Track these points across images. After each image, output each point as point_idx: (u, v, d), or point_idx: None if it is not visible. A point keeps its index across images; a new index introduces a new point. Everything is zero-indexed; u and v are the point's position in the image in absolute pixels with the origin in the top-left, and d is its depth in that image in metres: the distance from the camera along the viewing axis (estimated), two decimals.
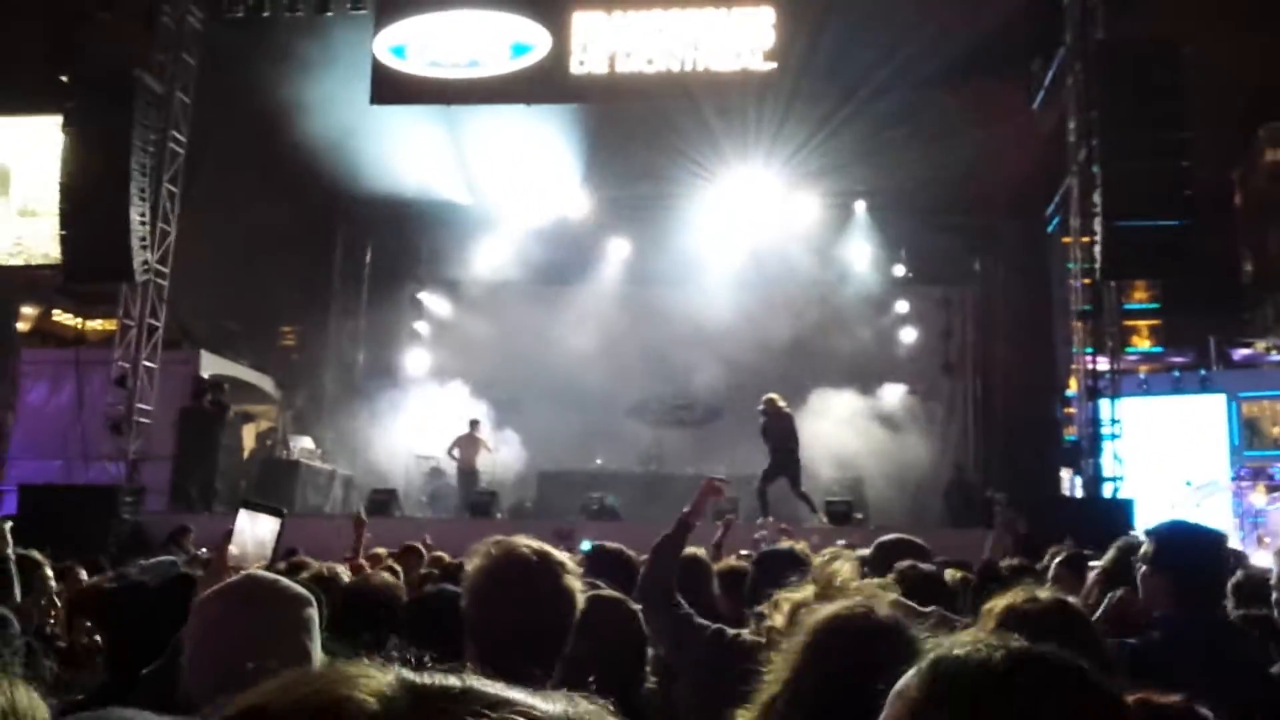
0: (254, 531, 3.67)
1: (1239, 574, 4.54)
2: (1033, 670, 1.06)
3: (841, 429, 16.98)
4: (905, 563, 4.08)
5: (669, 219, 18.15)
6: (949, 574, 4.91)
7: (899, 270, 19.10)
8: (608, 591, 3.30)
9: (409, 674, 0.72)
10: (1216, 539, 3.52)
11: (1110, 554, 4.26)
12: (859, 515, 15.15)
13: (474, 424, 16.99)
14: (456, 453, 16.68)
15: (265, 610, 1.94)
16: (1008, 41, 14.66)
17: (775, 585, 2.72)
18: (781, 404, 14.95)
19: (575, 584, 2.39)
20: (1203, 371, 25.61)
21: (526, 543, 2.40)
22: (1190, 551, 3.31)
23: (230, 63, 15.40)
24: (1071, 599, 2.34)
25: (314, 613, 1.98)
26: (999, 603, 2.26)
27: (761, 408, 14.87)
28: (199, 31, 15.56)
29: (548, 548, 2.40)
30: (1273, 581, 4.08)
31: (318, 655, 1.96)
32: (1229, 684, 2.65)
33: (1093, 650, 2.16)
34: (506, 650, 2.13)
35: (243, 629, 1.90)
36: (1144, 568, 3.38)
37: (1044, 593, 2.26)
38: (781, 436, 14.70)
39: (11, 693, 1.22)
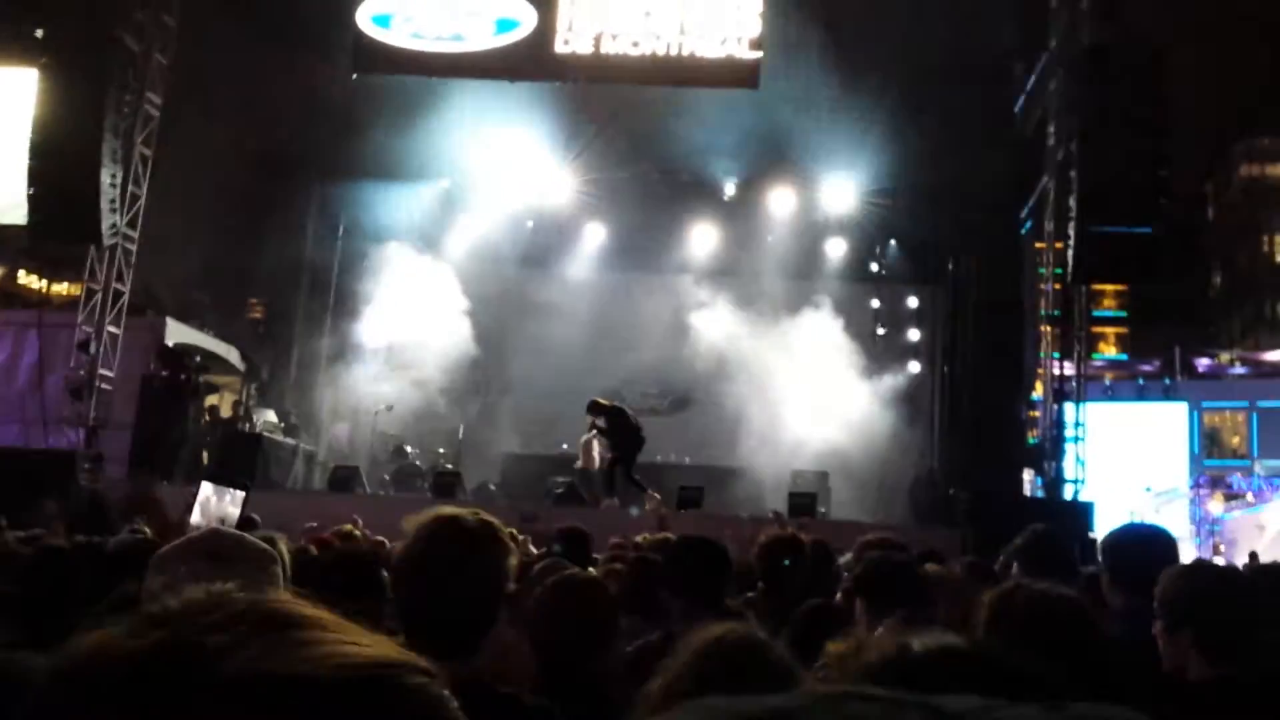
0: (218, 504, 3.62)
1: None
2: None
3: (808, 423, 17.02)
4: (876, 553, 4.06)
5: (647, 204, 18.11)
6: (929, 567, 4.88)
7: (873, 267, 19.17)
8: (583, 572, 3.28)
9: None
10: (1161, 539, 3.64)
11: (1018, 541, 4.22)
12: (822, 510, 15.20)
13: (595, 425, 16.43)
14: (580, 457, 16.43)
15: (229, 565, 1.89)
16: (992, 43, 14.72)
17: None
18: (607, 403, 15.02)
19: (512, 562, 2.27)
20: (1166, 380, 25.93)
21: (470, 513, 2.26)
22: (1133, 550, 3.43)
23: (208, 25, 15.17)
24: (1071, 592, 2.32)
25: (279, 569, 1.94)
26: (998, 595, 2.24)
27: (593, 416, 14.90)
28: None
29: (493, 520, 2.28)
30: None
31: None
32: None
33: (1095, 640, 2.16)
34: (431, 625, 2.03)
35: (206, 583, 1.85)
36: (1105, 577, 3.46)
37: (1044, 586, 2.24)
38: (627, 432, 14.73)
39: None
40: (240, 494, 3.43)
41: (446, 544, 2.15)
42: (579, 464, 16.29)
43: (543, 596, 3.05)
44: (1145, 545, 3.53)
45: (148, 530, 9.17)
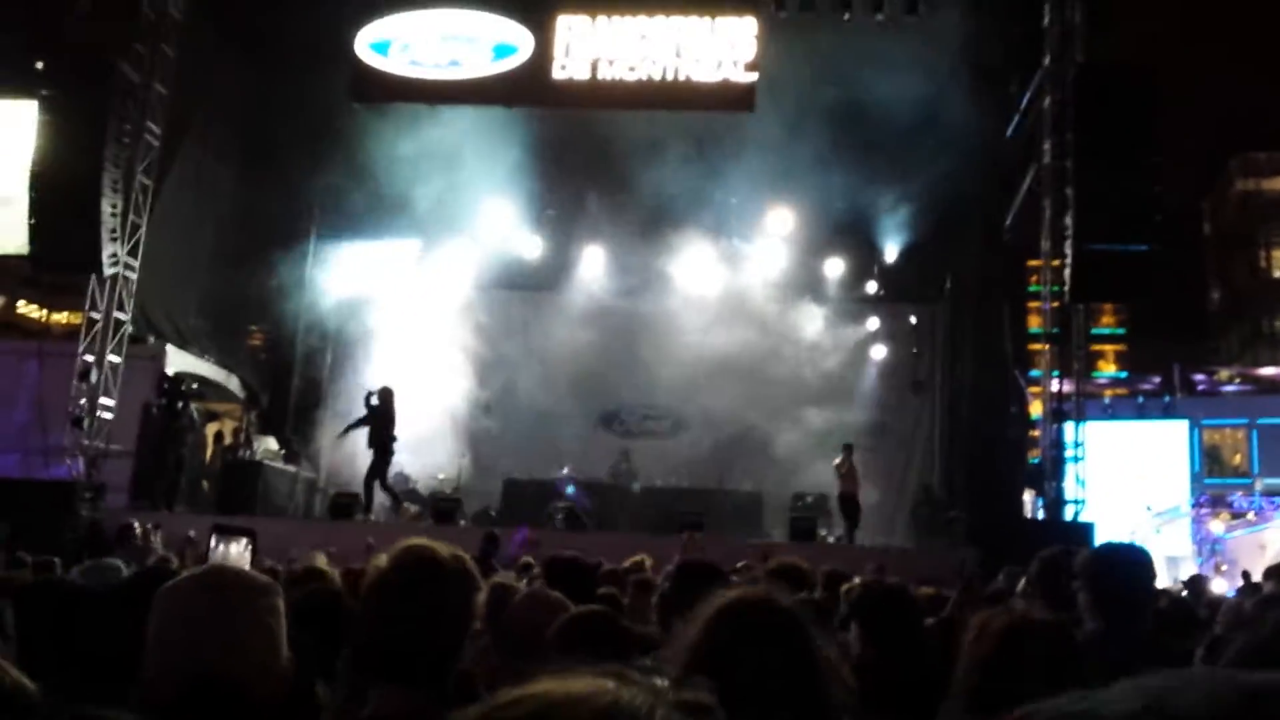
0: (226, 553, 3.67)
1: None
2: None
3: (809, 444, 17.00)
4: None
5: (644, 228, 18.15)
6: (922, 591, 4.91)
7: (871, 287, 19.15)
8: (592, 607, 3.27)
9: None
10: (1139, 559, 3.63)
11: (1033, 566, 4.35)
12: (823, 532, 15.16)
13: (847, 449, 15.55)
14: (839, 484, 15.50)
15: (232, 598, 1.90)
16: (986, 62, 14.81)
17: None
18: (389, 393, 15.03)
19: (480, 598, 2.32)
20: (1166, 398, 25.85)
21: (442, 547, 2.27)
22: (1113, 570, 3.42)
23: (210, 55, 15.29)
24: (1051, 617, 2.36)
25: (280, 601, 1.95)
26: (993, 620, 2.28)
27: (376, 397, 14.89)
28: (179, 23, 15.45)
29: (463, 555, 2.29)
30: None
31: (284, 643, 1.92)
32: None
33: (1074, 661, 2.19)
34: (394, 656, 2.09)
35: (210, 617, 1.86)
36: (1076, 583, 3.50)
37: (1035, 612, 2.29)
38: (388, 423, 14.78)
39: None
40: (246, 541, 3.63)
41: (414, 576, 2.19)
42: (839, 490, 15.44)
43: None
44: (1131, 568, 3.51)
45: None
